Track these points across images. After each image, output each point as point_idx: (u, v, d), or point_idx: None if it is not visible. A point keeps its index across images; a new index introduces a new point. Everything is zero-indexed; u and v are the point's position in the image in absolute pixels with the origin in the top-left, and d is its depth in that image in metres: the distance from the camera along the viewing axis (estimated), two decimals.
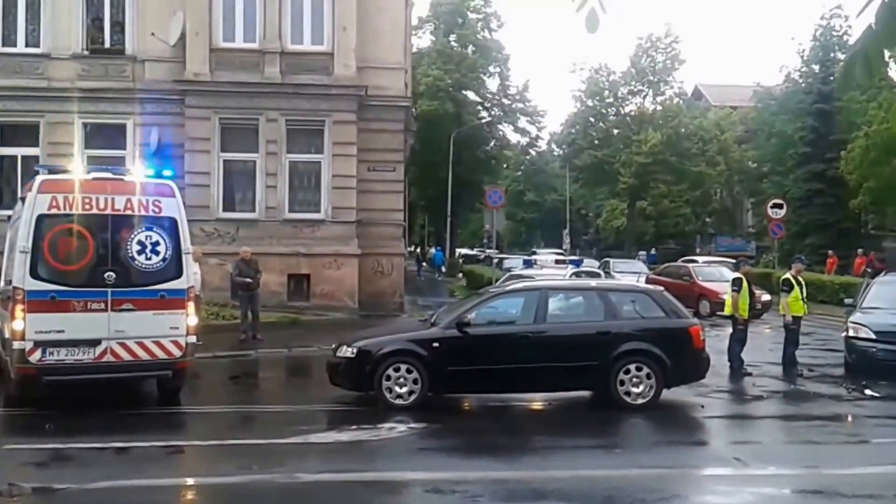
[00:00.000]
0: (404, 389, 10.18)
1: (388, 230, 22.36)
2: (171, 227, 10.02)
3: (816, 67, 44.61)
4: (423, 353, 10.30)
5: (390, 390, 10.18)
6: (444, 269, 48.06)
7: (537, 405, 11.13)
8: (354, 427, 9.25)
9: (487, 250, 46.22)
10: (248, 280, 16.40)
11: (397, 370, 10.21)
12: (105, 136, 20.88)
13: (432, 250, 56.62)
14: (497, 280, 23.39)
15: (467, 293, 24.21)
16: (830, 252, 33.88)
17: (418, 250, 52.84)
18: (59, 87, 20.68)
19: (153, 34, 20.66)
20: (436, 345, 10.38)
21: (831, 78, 42.98)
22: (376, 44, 21.74)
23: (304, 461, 7.97)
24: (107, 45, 21.43)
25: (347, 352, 10.55)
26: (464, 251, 61.24)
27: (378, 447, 8.64)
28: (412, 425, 9.39)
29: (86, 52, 21.16)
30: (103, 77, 20.98)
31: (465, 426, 10.12)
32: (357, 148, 21.28)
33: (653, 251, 51.52)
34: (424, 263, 51.82)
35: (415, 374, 10.20)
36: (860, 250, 32.70)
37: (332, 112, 21.10)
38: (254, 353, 15.30)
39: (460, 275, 42.78)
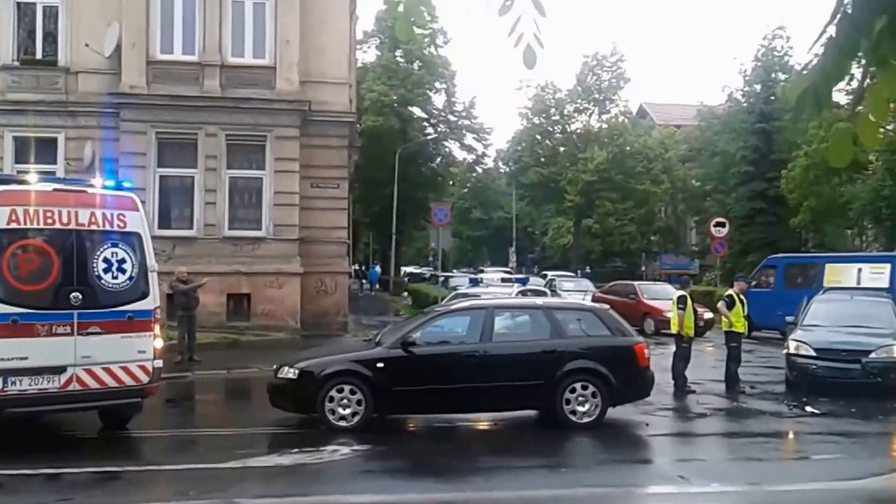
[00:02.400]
0: (348, 411, 10.15)
1: (331, 248, 22.28)
2: (137, 243, 9.61)
3: (758, 87, 46.00)
4: (367, 374, 10.28)
5: (333, 412, 10.13)
6: (377, 285, 52.12)
7: (483, 425, 11.20)
8: (296, 450, 9.17)
9: (433, 269, 46.31)
10: (199, 284, 16.35)
11: (341, 391, 10.17)
12: (35, 150, 20.40)
13: (377, 268, 57.02)
14: (443, 299, 23.47)
15: (413, 312, 24.22)
16: None
17: (355, 268, 53.18)
18: None
19: (87, 45, 20.33)
20: (380, 365, 10.38)
21: (773, 98, 44.41)
22: (320, 58, 21.74)
23: (244, 486, 7.87)
24: (39, 56, 21.05)
25: (289, 373, 10.47)
26: (409, 269, 61.24)
27: (320, 470, 8.59)
28: (356, 447, 9.36)
29: (16, 64, 20.73)
30: (35, 89, 20.56)
31: (410, 447, 10.12)
32: (300, 164, 21.20)
33: (587, 269, 52.27)
34: (364, 281, 52.47)
35: (359, 395, 10.17)
36: None
37: (273, 127, 21.00)
38: (191, 375, 15.05)
39: (406, 294, 42.76)
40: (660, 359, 14.97)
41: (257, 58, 21.24)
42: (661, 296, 24.46)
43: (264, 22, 21.20)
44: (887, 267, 21.69)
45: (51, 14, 21.01)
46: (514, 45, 2.72)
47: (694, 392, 13.83)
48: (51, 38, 21.10)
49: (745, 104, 47.04)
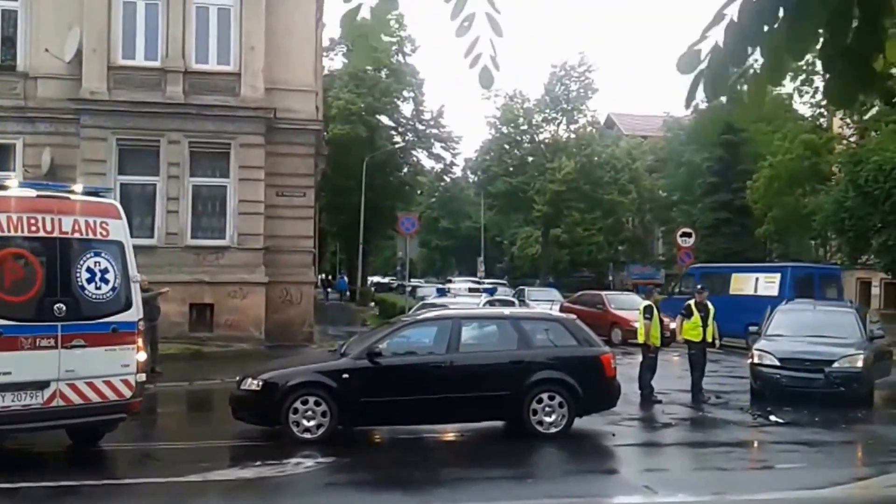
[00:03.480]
0: (312, 423, 10.09)
1: (297, 258, 22.15)
2: (119, 252, 9.33)
3: (724, 99, 46.62)
4: (332, 385, 10.24)
5: (298, 424, 10.07)
6: (347, 293, 53.94)
7: (450, 436, 11.20)
8: (259, 463, 9.09)
9: (400, 278, 46.26)
10: (160, 293, 16.24)
11: (305, 403, 10.11)
12: None
13: (345, 278, 57.36)
14: (410, 309, 23.44)
15: (379, 322, 24.16)
16: None
17: (321, 277, 53.90)
18: None
19: (47, 50, 20.04)
20: (346, 376, 10.35)
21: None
22: (286, 65, 21.65)
23: (205, 500, 7.80)
24: None
25: (252, 384, 10.39)
26: (376, 279, 61.14)
27: (283, 483, 8.53)
28: (320, 460, 9.31)
29: None
30: None
31: (376, 460, 10.09)
32: (265, 172, 21.06)
33: (549, 279, 52.65)
34: (329, 290, 53.31)
35: (323, 407, 10.12)
36: None
37: (238, 134, 20.85)
38: (152, 387, 14.77)
39: (372, 304, 42.65)
40: (627, 369, 15.10)
41: (222, 64, 21.07)
42: (629, 306, 24.64)
43: (229, 28, 21.05)
44: (777, 276, 24.30)
45: (10, 18, 20.65)
46: (469, 66, 2.74)
47: (660, 402, 13.96)
48: (9, 42, 20.73)
49: (710, 115, 47.66)
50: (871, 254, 31.56)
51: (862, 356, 14.02)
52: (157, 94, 20.47)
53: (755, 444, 11.72)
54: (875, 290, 38.69)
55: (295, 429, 10.05)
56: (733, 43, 2.26)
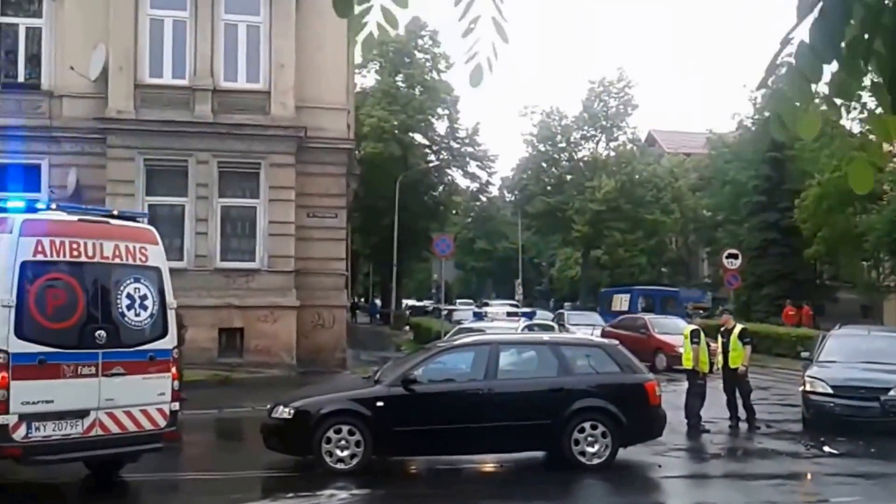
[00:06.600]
0: (346, 453, 10.09)
1: (329, 280, 22.24)
2: (157, 278, 9.46)
3: (768, 115, 46.14)
4: (366, 413, 10.25)
5: (331, 454, 10.08)
6: (377, 316, 56.90)
7: (488, 467, 11.14)
8: (291, 495, 9.12)
9: (435, 301, 46.30)
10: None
11: (339, 432, 10.13)
12: (17, 177, 20.30)
13: (377, 302, 58.18)
14: (446, 333, 23.41)
15: (414, 347, 24.18)
16: (789, 301, 35.13)
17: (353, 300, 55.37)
18: None
19: (72, 68, 20.35)
20: (380, 404, 10.35)
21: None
22: (317, 83, 21.84)
23: None
24: (20, 79, 21.01)
25: (284, 412, 10.44)
26: (411, 302, 61.20)
27: None
28: (354, 492, 9.31)
29: None
30: (16, 114, 20.44)
31: (411, 491, 10.06)
32: (295, 192, 21.22)
33: (577, 302, 52.47)
34: (358, 312, 56.12)
35: (357, 436, 10.12)
36: (803, 303, 34.69)
37: (268, 154, 21.05)
38: (179, 415, 14.92)
39: (407, 328, 42.68)
40: (672, 396, 14.92)
41: (251, 82, 21.29)
42: (673, 330, 24.36)
43: (258, 45, 21.28)
44: (628, 296, 36.82)
45: (34, 36, 21.02)
46: (465, 62, 3.03)
47: (708, 431, 13.77)
48: (34, 60, 21.06)
49: (755, 132, 47.22)
50: None
51: None
52: (186, 113, 20.72)
53: (808, 477, 11.50)
54: None
55: (328, 459, 10.06)
56: (795, 84, 2.39)
